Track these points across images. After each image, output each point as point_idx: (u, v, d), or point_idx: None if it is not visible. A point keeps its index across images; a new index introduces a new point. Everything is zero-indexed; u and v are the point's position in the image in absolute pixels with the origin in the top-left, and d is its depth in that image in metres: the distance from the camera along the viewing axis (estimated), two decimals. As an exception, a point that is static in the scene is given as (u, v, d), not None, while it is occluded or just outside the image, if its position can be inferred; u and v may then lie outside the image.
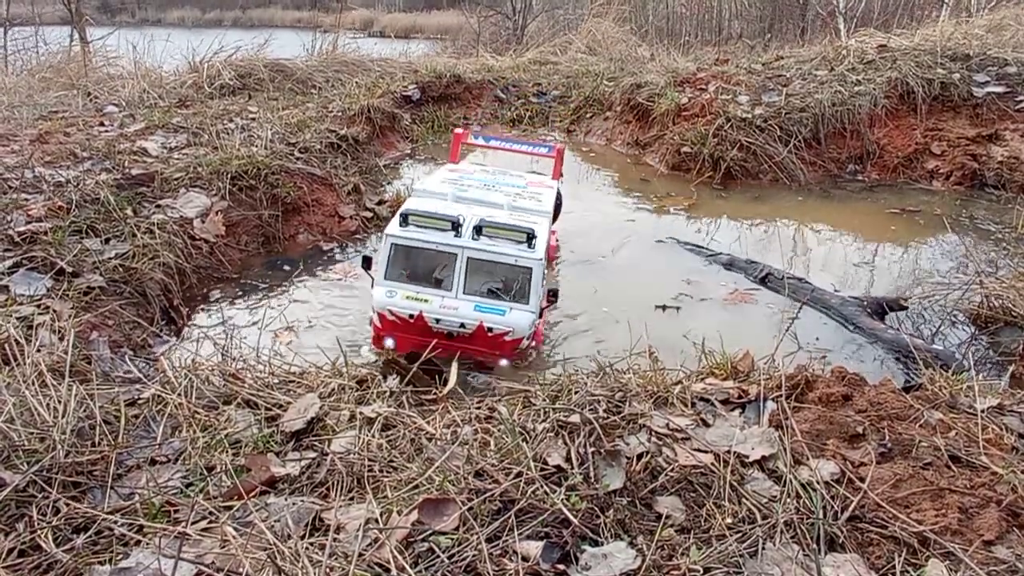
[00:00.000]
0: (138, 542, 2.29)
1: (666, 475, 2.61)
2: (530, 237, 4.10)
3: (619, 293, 5.42)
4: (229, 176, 6.15)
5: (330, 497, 2.56)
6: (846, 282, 5.72)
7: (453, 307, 4.08)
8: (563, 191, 5.85)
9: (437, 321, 4.06)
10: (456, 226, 4.12)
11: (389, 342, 4.15)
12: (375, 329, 4.23)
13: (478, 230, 4.13)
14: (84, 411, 3.08)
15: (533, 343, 4.36)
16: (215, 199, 5.95)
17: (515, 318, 4.04)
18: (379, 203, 7.21)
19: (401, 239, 4.19)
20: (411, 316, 4.07)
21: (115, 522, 2.41)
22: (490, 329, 4.02)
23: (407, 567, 2.09)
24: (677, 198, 7.93)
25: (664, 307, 5.19)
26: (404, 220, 4.20)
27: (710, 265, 6.03)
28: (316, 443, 3.06)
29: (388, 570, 2.08)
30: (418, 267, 4.24)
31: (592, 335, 4.79)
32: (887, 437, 2.84)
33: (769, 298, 5.46)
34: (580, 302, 5.24)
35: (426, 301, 4.11)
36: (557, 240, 6.03)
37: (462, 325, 4.04)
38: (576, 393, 3.27)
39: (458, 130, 6.32)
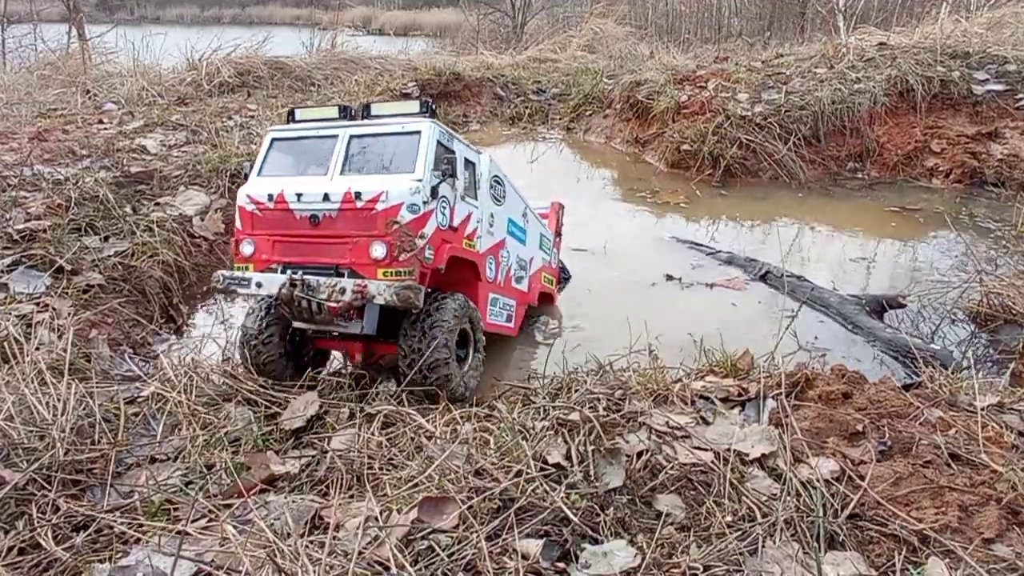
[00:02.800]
0: (138, 540, 2.29)
1: (666, 473, 2.61)
2: (425, 107, 3.66)
3: (617, 292, 5.43)
4: (228, 174, 6.15)
5: (330, 495, 2.56)
6: (845, 280, 5.72)
7: (322, 185, 3.47)
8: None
9: (299, 198, 3.41)
10: (346, 111, 3.73)
11: (247, 247, 3.54)
12: (235, 235, 3.64)
13: (366, 108, 3.72)
14: (83, 409, 3.08)
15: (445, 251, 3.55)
16: (214, 197, 5.94)
17: (391, 182, 3.32)
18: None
19: (281, 133, 3.78)
20: (270, 197, 3.47)
21: (115, 520, 2.41)
22: (358, 196, 3.30)
23: (407, 565, 2.09)
24: (674, 194, 7.93)
25: (670, 276, 5.72)
26: (291, 117, 3.86)
27: (708, 260, 6.03)
28: (316, 441, 3.06)
29: (388, 568, 2.08)
30: (299, 168, 3.71)
31: (590, 335, 4.79)
32: (887, 435, 2.84)
33: (762, 288, 5.49)
34: (579, 303, 5.24)
35: (291, 183, 3.55)
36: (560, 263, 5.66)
37: (326, 197, 3.36)
38: (576, 391, 3.27)
39: None
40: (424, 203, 3.34)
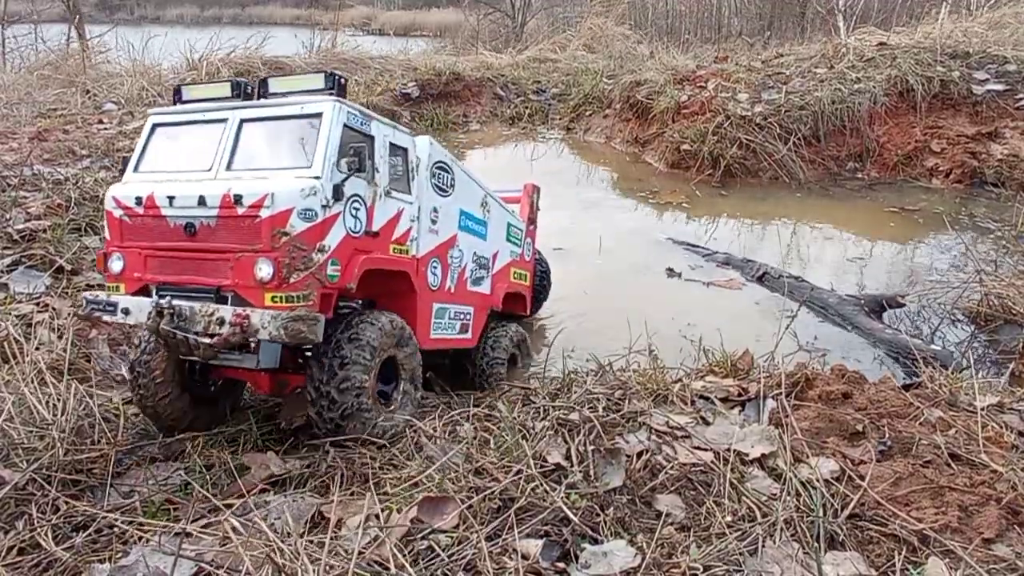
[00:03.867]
0: (138, 540, 2.29)
1: (666, 473, 2.61)
2: (331, 81, 3.00)
3: (617, 292, 5.43)
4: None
5: (330, 494, 2.56)
6: (844, 280, 5.72)
7: (199, 185, 2.85)
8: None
9: (171, 202, 2.81)
10: (239, 89, 3.12)
11: (116, 263, 2.96)
12: (104, 248, 3.06)
13: (263, 84, 3.13)
14: (83, 409, 3.08)
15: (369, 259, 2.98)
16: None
17: (279, 182, 2.71)
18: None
19: (163, 116, 3.18)
20: (139, 201, 2.87)
21: (115, 520, 2.41)
22: (238, 200, 2.67)
23: (407, 565, 2.08)
24: (674, 194, 7.93)
25: (671, 270, 5.81)
26: (176, 95, 3.26)
27: (706, 262, 6.03)
28: (316, 440, 3.06)
29: (388, 568, 2.08)
30: (182, 161, 3.03)
31: (589, 335, 4.79)
32: (887, 435, 2.84)
33: (760, 289, 5.49)
34: (575, 301, 5.25)
35: (165, 183, 2.92)
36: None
37: (201, 201, 2.75)
38: (576, 391, 3.27)
39: None
40: (324, 206, 2.74)
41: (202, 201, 2.75)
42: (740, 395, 3.27)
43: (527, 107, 12.02)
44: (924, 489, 2.50)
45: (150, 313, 2.72)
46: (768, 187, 8.30)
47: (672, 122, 9.27)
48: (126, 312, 2.83)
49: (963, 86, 8.93)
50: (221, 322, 2.63)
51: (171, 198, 2.81)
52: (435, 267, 3.52)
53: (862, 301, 5.09)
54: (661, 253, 6.29)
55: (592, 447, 2.69)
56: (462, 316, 3.85)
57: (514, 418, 3.01)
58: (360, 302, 3.20)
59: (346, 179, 2.82)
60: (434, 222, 3.48)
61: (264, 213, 2.64)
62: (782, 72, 9.86)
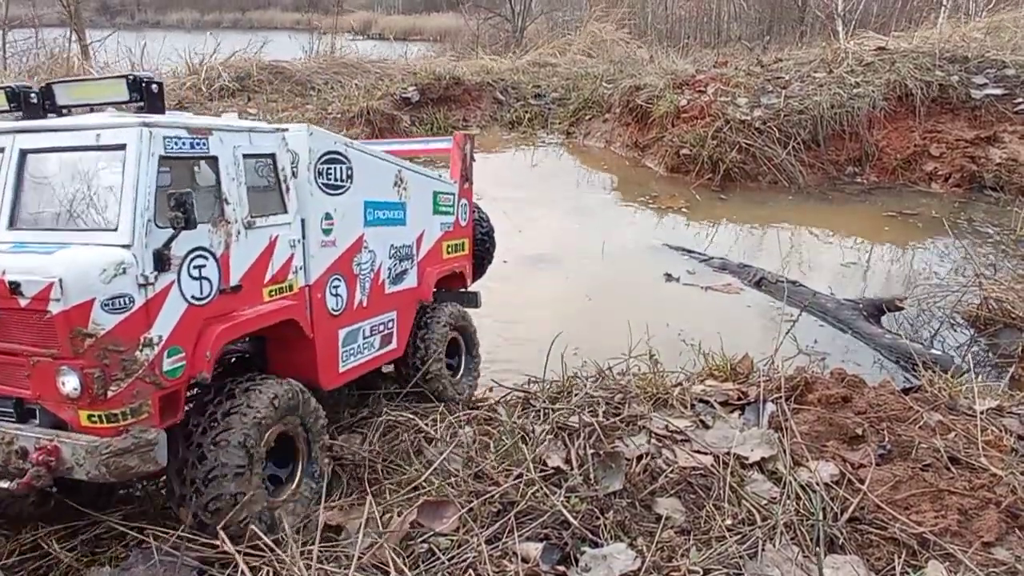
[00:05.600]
0: (139, 543, 2.29)
1: (666, 477, 2.62)
2: (136, 89, 2.23)
3: (616, 297, 5.44)
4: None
5: (330, 498, 2.56)
6: (842, 285, 5.73)
7: None
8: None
9: None
10: (19, 100, 2.37)
11: None
12: None
13: (47, 93, 2.37)
14: None
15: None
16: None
17: (70, 260, 1.98)
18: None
19: None
20: None
21: (116, 523, 2.40)
22: (15, 288, 1.94)
23: (405, 570, 2.09)
24: (673, 199, 7.94)
25: (669, 275, 5.78)
26: None
27: (702, 267, 6.04)
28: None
29: (387, 572, 2.08)
30: None
31: (587, 340, 4.79)
32: (887, 438, 2.84)
33: (757, 294, 5.50)
34: (575, 305, 5.25)
35: None
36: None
37: None
38: (576, 395, 3.27)
39: None
40: (143, 285, 2.06)
41: None
42: (740, 399, 3.27)
43: (527, 111, 12.04)
44: (924, 493, 2.51)
45: None
46: (767, 191, 8.31)
47: (671, 126, 9.29)
48: None
49: (962, 91, 8.95)
50: (23, 454, 1.99)
51: None
52: (336, 286, 2.86)
53: (861, 305, 5.10)
54: (659, 258, 6.29)
55: (592, 451, 2.70)
56: (381, 328, 3.19)
57: (514, 422, 3.01)
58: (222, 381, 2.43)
59: (173, 237, 2.09)
60: (328, 232, 2.79)
61: (54, 308, 1.91)
62: (781, 76, 9.88)
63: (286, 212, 2.59)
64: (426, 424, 3.05)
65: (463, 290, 4.03)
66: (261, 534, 2.18)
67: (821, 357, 4.32)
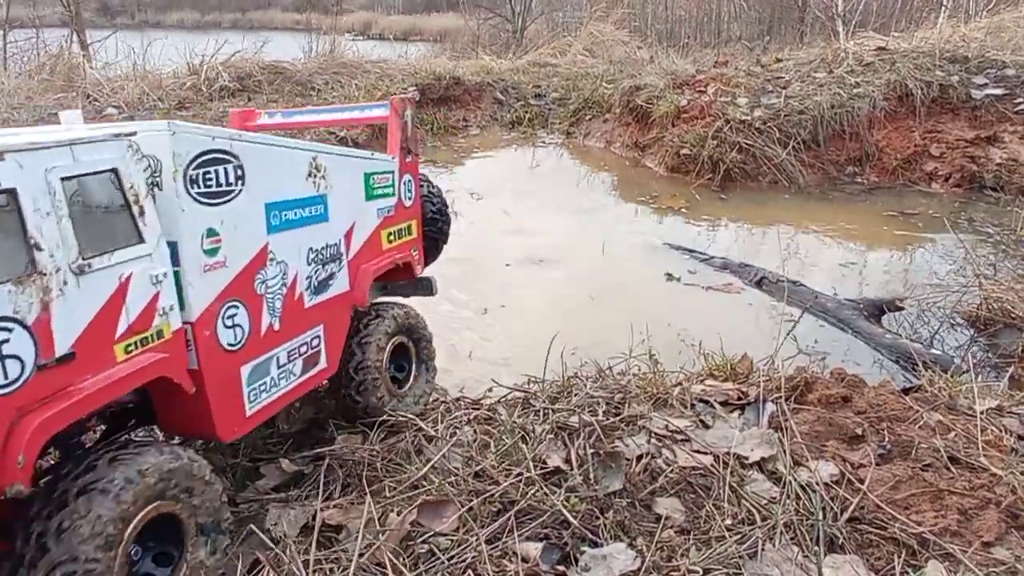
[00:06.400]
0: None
1: (666, 476, 2.62)
2: None
3: (616, 296, 5.44)
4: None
5: (330, 498, 2.56)
6: (843, 284, 5.73)
7: None
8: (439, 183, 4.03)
9: None
10: None
11: None
12: None
13: None
14: None
15: None
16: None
17: None
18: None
19: None
20: None
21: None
22: None
23: (404, 571, 2.09)
24: (674, 198, 7.94)
25: (669, 275, 5.77)
26: None
27: (703, 266, 6.04)
28: (316, 444, 3.06)
29: (387, 572, 2.09)
30: None
31: (587, 339, 4.79)
32: (886, 438, 2.84)
33: (758, 294, 5.49)
34: (576, 305, 5.25)
35: None
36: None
37: None
38: (576, 395, 3.27)
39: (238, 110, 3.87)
40: None
41: None
42: (740, 399, 3.27)
43: (527, 112, 12.04)
44: (923, 492, 2.51)
45: None
46: (767, 191, 8.31)
47: (672, 126, 9.29)
48: None
49: (962, 91, 8.95)
50: None
51: None
52: (232, 315, 2.32)
53: (861, 305, 5.09)
54: (660, 257, 6.30)
55: (592, 450, 2.70)
56: (304, 349, 2.71)
57: (514, 422, 3.01)
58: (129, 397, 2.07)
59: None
60: (213, 251, 2.24)
61: None
62: (781, 76, 9.88)
63: (142, 241, 2.02)
64: (426, 424, 3.06)
65: (413, 278, 3.53)
66: (260, 532, 2.18)
67: (821, 357, 4.32)
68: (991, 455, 2.71)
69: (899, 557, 2.21)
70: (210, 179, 2.22)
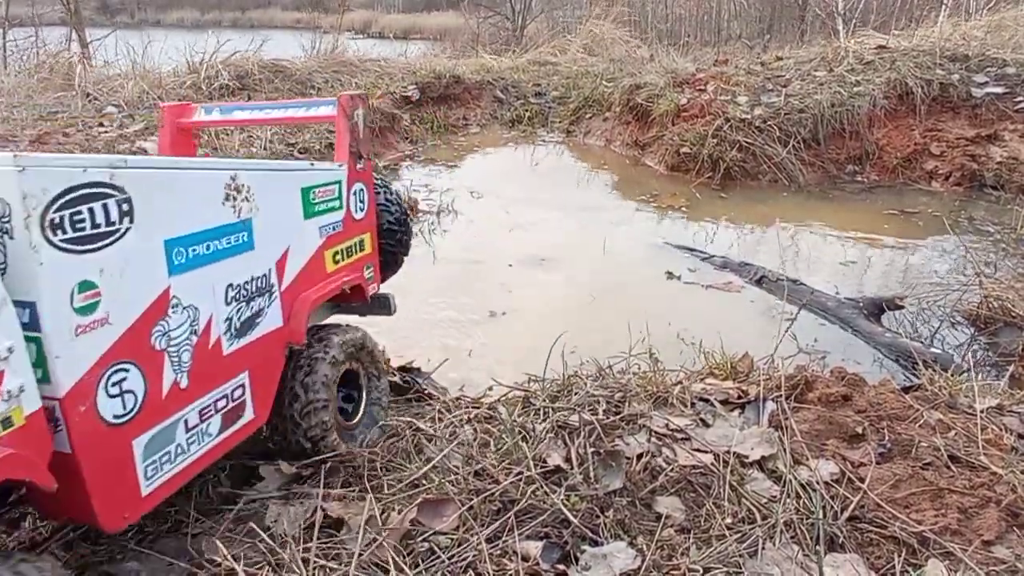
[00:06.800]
0: (138, 541, 2.29)
1: (666, 475, 2.62)
2: None
3: (616, 296, 5.44)
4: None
5: (329, 496, 2.56)
6: (843, 283, 5.73)
7: None
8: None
9: None
10: None
11: None
12: None
13: None
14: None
15: None
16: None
17: None
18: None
19: None
20: None
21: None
22: None
23: (406, 568, 2.09)
24: (674, 197, 7.94)
25: (670, 273, 5.78)
26: None
27: (703, 265, 6.04)
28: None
29: (387, 571, 2.09)
30: None
31: (588, 338, 4.79)
32: (887, 437, 2.84)
33: (758, 292, 5.50)
34: (577, 304, 5.25)
35: None
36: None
37: None
38: (576, 393, 3.27)
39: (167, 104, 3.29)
40: None
41: None
42: (740, 397, 3.27)
43: (527, 110, 12.04)
44: (924, 491, 2.51)
45: None
46: (767, 190, 8.31)
47: (672, 125, 9.29)
48: None
49: (962, 89, 8.95)
50: None
51: None
52: (119, 381, 1.84)
53: (861, 304, 5.09)
54: (661, 256, 6.30)
55: (592, 449, 2.70)
56: (222, 404, 2.24)
57: (514, 421, 3.01)
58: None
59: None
60: (89, 309, 1.74)
61: None
62: (781, 75, 9.88)
63: None
64: (425, 424, 3.06)
65: (366, 302, 3.14)
66: (260, 531, 2.18)
67: (821, 356, 4.32)
68: (991, 454, 2.71)
69: (899, 556, 2.21)
70: (81, 221, 1.71)
